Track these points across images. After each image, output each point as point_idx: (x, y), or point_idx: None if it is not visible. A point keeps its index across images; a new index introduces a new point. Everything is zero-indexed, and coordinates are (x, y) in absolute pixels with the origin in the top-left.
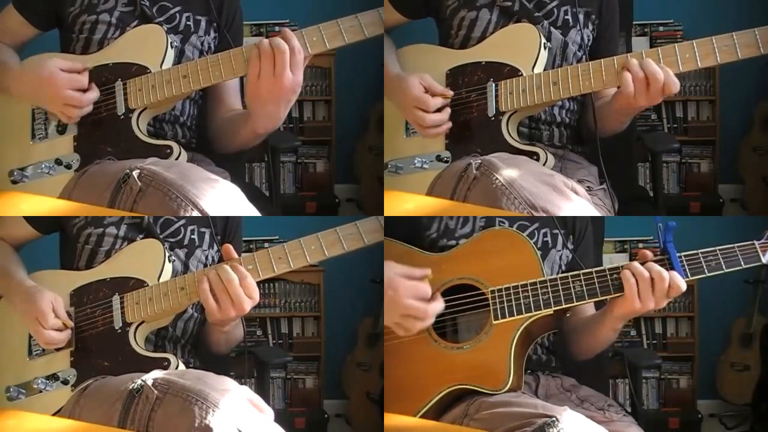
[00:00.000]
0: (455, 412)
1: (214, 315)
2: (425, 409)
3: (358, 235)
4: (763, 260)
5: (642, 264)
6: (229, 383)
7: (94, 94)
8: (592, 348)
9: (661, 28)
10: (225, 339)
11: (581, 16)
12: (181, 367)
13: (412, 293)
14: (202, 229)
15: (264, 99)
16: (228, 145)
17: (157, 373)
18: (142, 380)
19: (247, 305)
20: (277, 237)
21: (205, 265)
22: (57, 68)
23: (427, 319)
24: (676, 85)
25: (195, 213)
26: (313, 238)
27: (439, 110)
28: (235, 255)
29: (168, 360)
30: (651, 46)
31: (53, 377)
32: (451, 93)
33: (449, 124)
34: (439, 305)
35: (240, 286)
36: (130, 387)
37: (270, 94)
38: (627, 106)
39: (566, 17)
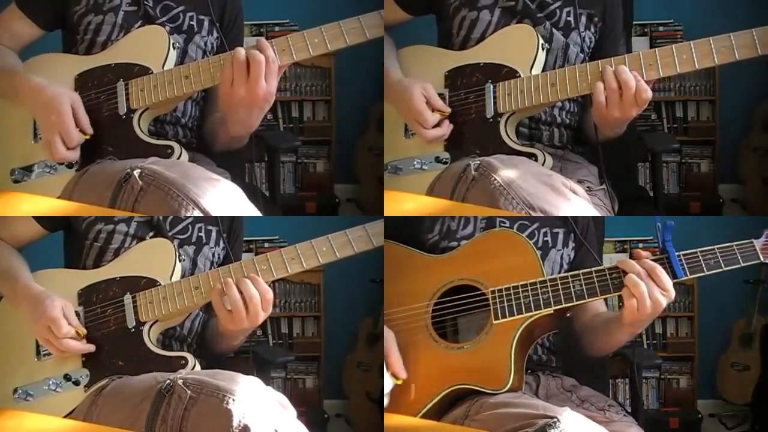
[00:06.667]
0: (456, 413)
1: (226, 324)
2: (426, 410)
3: (367, 238)
4: (762, 258)
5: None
6: (257, 383)
7: (80, 139)
8: (610, 346)
9: (661, 28)
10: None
11: (583, 18)
12: (198, 366)
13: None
14: (209, 227)
15: (236, 106)
16: (213, 145)
17: (182, 373)
18: (170, 379)
19: (261, 318)
20: (277, 237)
21: (213, 263)
22: (69, 103)
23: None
24: (647, 92)
25: (196, 212)
26: (324, 240)
27: (438, 123)
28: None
29: (185, 359)
30: (651, 47)
31: (65, 378)
32: (449, 110)
33: (448, 133)
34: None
35: (259, 304)
36: (159, 386)
37: (243, 101)
38: (602, 119)
39: (568, 18)
